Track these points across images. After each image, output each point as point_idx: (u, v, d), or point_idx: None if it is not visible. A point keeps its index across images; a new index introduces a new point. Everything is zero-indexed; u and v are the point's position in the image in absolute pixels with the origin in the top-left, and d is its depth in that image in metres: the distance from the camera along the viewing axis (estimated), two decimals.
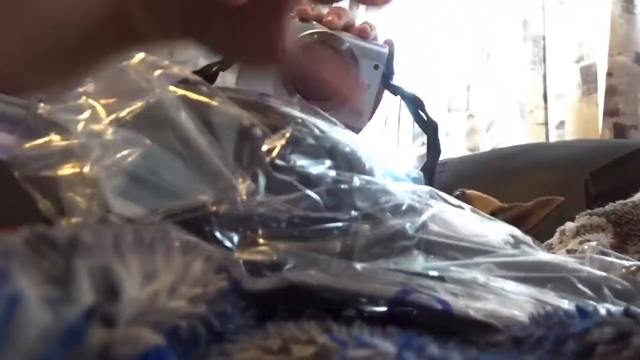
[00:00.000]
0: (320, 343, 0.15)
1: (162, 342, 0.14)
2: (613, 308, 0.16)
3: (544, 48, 1.75)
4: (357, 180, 0.31)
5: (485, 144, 1.82)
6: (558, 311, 0.17)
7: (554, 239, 0.43)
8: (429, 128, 0.57)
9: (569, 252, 0.37)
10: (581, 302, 0.24)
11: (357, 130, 0.54)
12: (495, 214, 0.93)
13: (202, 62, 0.71)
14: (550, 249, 0.42)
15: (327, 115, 0.35)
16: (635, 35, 1.55)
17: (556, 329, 0.16)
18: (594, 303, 0.22)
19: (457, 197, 0.94)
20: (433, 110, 2.19)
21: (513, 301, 0.24)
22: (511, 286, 0.28)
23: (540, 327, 0.17)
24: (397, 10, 2.27)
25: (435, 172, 0.57)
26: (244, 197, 0.27)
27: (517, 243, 0.32)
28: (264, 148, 0.30)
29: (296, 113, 0.33)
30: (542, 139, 1.69)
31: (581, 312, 0.17)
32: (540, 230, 0.90)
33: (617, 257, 0.34)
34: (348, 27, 0.54)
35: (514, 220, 0.91)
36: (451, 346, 0.17)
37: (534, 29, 1.77)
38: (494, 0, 1.92)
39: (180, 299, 0.15)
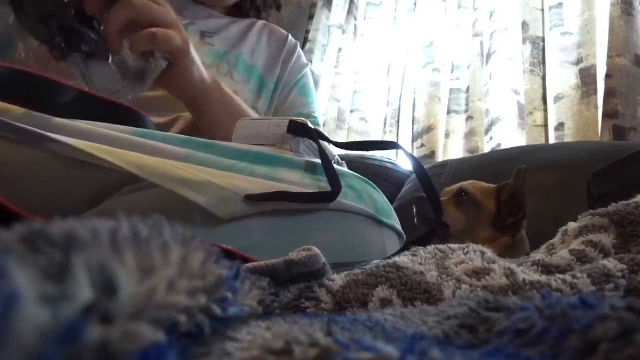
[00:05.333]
0: (323, 345, 0.15)
1: (161, 338, 0.14)
2: (616, 302, 0.16)
3: (543, 50, 1.75)
4: None
5: (485, 146, 1.82)
6: (561, 302, 0.17)
7: (557, 239, 0.43)
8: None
9: (571, 252, 0.37)
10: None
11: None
12: (498, 200, 0.97)
13: None
14: (552, 249, 0.42)
15: None
16: (634, 37, 1.55)
17: (559, 322, 0.16)
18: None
19: (460, 195, 0.97)
20: (433, 112, 2.19)
21: None
22: None
23: (543, 318, 0.17)
24: (396, 11, 2.27)
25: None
26: None
27: None
28: None
29: None
30: (542, 141, 1.69)
31: (584, 304, 0.17)
32: (541, 230, 0.90)
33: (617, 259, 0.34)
34: None
35: (512, 203, 0.96)
36: (453, 350, 0.17)
37: (533, 31, 1.77)
38: (494, 1, 1.93)
39: (179, 293, 0.15)
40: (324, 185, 0.52)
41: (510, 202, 0.98)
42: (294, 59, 1.01)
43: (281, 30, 1.04)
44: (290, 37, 1.04)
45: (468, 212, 1.00)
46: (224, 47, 0.89)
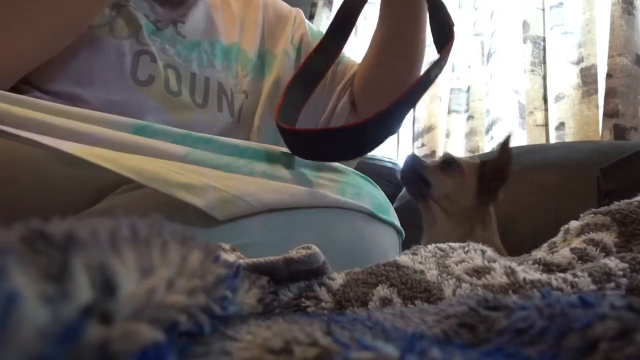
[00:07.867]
0: (323, 345, 0.15)
1: (161, 337, 0.14)
2: (616, 301, 0.16)
3: (544, 49, 1.75)
4: None
5: (485, 145, 1.82)
6: (561, 301, 0.17)
7: (558, 237, 0.43)
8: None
9: (572, 250, 0.37)
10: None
11: None
12: (482, 172, 1.01)
13: None
14: (553, 247, 0.42)
15: None
16: (635, 37, 1.55)
17: (558, 321, 0.16)
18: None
19: (447, 162, 1.03)
20: (433, 112, 2.18)
21: None
22: None
23: (543, 317, 0.17)
24: None
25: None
26: None
27: None
28: None
29: None
30: (542, 141, 1.69)
31: (584, 302, 0.17)
32: (541, 230, 0.90)
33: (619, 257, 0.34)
34: None
35: (496, 174, 0.99)
36: (453, 349, 0.16)
37: (534, 30, 1.77)
38: (494, 1, 1.93)
39: (179, 293, 0.15)
40: (324, 182, 0.52)
41: (494, 175, 1.02)
42: (291, 20, 0.94)
43: None
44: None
45: (453, 177, 1.04)
46: (196, 36, 0.80)
